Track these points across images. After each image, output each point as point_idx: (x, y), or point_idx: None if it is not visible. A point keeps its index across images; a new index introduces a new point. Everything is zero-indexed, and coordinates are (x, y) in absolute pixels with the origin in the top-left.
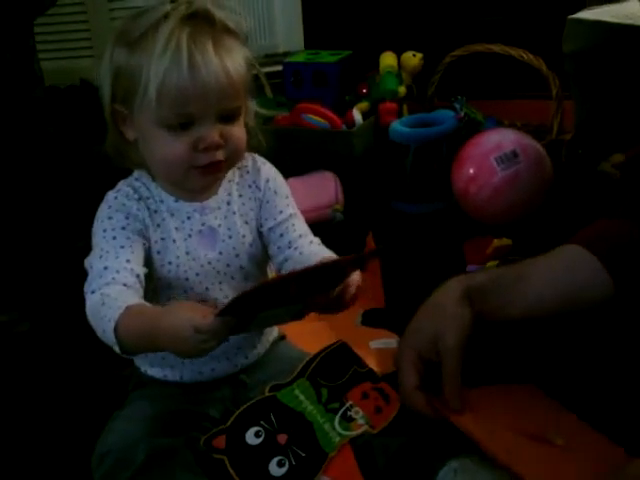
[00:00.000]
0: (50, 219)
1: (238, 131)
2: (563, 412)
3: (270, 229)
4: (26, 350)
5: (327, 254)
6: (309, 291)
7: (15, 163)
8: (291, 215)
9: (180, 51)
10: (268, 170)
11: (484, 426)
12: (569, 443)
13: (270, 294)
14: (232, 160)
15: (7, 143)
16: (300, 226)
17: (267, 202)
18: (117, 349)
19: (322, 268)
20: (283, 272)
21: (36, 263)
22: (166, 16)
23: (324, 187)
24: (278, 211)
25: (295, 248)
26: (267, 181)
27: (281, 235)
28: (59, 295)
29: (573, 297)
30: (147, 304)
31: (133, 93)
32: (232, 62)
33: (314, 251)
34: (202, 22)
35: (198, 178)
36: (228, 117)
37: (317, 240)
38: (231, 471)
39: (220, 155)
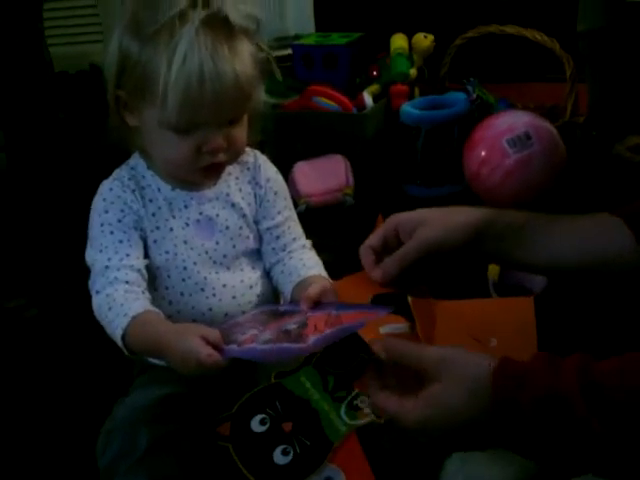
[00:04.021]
0: (59, 205)
1: (241, 133)
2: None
3: (268, 229)
4: (34, 336)
5: (314, 266)
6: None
7: (24, 149)
8: (288, 217)
9: (202, 64)
10: (269, 169)
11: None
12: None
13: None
14: (232, 160)
15: (17, 129)
16: (295, 229)
17: (267, 201)
18: (125, 352)
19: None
20: (283, 294)
21: (44, 250)
22: (182, 15)
23: (334, 170)
24: (277, 212)
25: (289, 252)
26: (268, 180)
27: (277, 237)
28: (67, 282)
29: (595, 254)
30: (152, 311)
31: (143, 90)
32: (245, 68)
33: (304, 260)
34: (220, 26)
35: (200, 177)
36: (234, 121)
37: (309, 244)
38: (235, 458)
39: (222, 157)
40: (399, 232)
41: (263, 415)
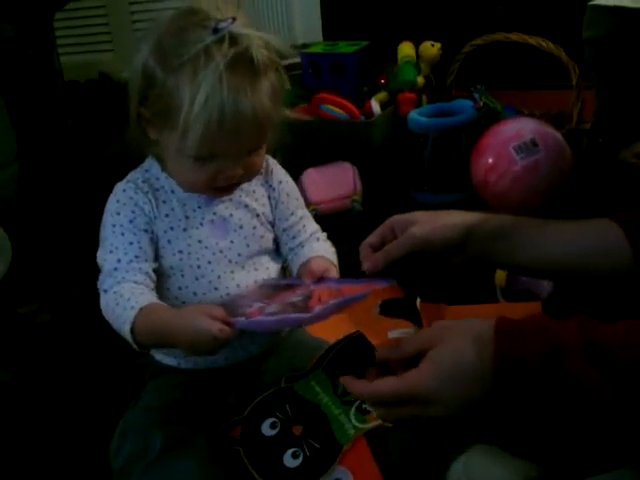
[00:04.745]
0: (70, 211)
1: (259, 159)
2: None
3: (284, 230)
4: (46, 341)
5: (321, 250)
6: None
7: (35, 156)
8: (302, 217)
9: (222, 106)
10: (279, 172)
11: None
12: None
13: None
14: (248, 180)
15: (27, 136)
16: (310, 226)
17: (281, 203)
18: (134, 346)
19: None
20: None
21: (56, 255)
22: (207, 51)
23: (343, 178)
24: (290, 213)
25: (302, 244)
26: (280, 182)
27: (293, 237)
28: (79, 287)
29: (588, 257)
30: (159, 303)
31: (165, 116)
32: (266, 103)
33: (314, 247)
34: (244, 68)
35: (214, 194)
36: (253, 150)
37: (323, 236)
38: (246, 462)
39: (238, 180)
40: (395, 231)
41: (273, 419)
